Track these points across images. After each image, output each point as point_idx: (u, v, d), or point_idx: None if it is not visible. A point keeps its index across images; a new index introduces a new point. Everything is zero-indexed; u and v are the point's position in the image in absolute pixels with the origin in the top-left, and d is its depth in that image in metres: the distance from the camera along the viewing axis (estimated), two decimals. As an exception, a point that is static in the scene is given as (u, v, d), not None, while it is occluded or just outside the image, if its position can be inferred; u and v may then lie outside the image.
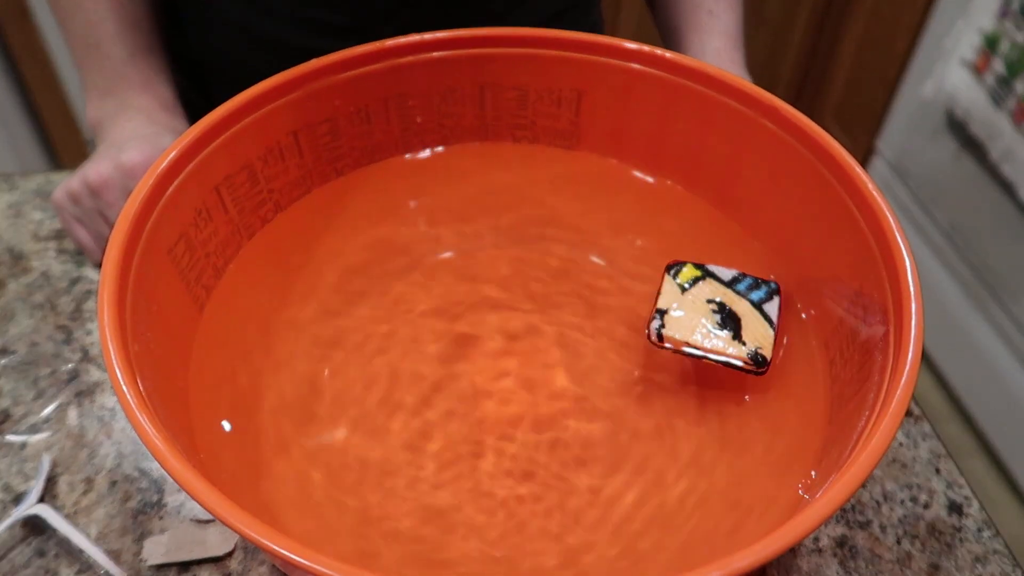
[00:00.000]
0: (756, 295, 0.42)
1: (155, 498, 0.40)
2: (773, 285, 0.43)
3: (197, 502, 0.26)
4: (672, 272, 0.42)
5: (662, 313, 0.40)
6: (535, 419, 0.39)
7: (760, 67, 1.68)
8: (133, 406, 0.29)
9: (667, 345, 0.39)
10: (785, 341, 0.41)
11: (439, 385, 0.41)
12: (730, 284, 0.42)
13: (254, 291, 0.44)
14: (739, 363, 0.39)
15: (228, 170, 0.43)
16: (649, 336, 0.39)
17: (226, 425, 0.38)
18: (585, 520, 0.36)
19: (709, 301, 0.41)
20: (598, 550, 0.35)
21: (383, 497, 0.36)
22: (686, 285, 0.41)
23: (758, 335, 0.40)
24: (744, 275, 0.43)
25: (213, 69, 0.60)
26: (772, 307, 0.42)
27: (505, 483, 0.37)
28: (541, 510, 0.36)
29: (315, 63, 0.45)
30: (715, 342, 0.39)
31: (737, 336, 0.39)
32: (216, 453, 0.36)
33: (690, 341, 0.39)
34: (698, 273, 0.42)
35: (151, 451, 0.27)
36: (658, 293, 0.41)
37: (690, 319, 0.40)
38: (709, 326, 0.40)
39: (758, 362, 0.39)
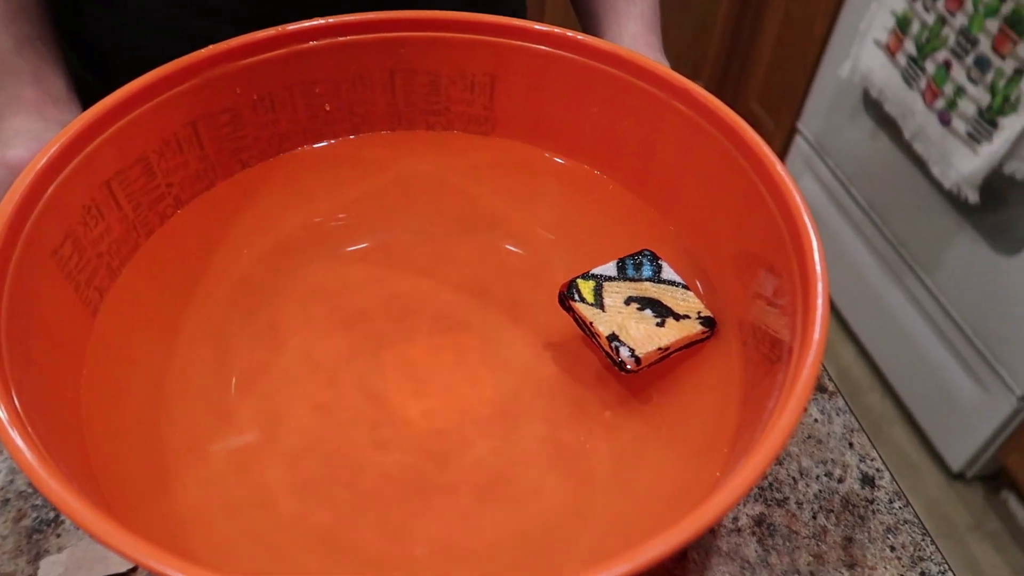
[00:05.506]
0: (647, 271, 0.42)
1: (51, 515, 0.38)
2: (648, 252, 0.43)
3: (72, 521, 0.25)
4: (576, 297, 0.40)
5: (616, 338, 0.38)
6: (457, 416, 0.39)
7: (685, 50, 1.70)
8: (4, 421, 0.26)
9: (643, 366, 0.38)
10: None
11: (352, 382, 0.39)
12: (622, 276, 0.41)
13: (154, 292, 0.41)
14: (701, 338, 0.40)
15: (120, 164, 0.40)
16: (625, 366, 0.38)
17: (126, 435, 0.36)
18: (503, 512, 0.35)
19: (627, 303, 0.40)
20: (511, 538, 0.34)
21: (298, 500, 0.35)
22: (595, 301, 0.40)
23: (685, 303, 0.40)
24: (622, 260, 0.42)
25: (112, 56, 0.57)
26: (668, 272, 0.42)
27: (435, 484, 0.36)
28: (468, 504, 0.35)
29: (213, 49, 0.42)
30: (672, 334, 0.39)
31: (676, 316, 0.40)
32: (116, 466, 0.34)
33: (660, 347, 0.38)
34: (591, 284, 0.41)
35: (21, 467, 0.25)
36: (588, 324, 0.39)
37: (637, 329, 0.39)
38: (653, 324, 0.39)
39: (710, 325, 0.40)
